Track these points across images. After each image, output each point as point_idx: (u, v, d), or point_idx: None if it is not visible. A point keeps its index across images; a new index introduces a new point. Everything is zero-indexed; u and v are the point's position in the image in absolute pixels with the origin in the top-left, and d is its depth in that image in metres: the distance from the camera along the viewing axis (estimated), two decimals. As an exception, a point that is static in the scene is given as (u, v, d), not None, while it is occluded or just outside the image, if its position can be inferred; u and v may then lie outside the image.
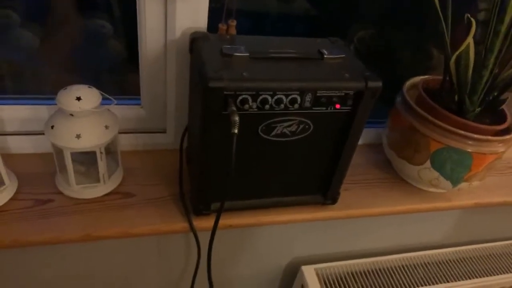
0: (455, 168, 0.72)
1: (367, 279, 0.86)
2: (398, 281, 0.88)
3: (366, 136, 0.91)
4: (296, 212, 0.70)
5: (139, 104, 0.76)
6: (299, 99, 0.56)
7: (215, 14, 0.67)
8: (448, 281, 0.90)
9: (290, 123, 0.58)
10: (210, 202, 0.64)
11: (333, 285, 0.83)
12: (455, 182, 0.74)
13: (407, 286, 0.86)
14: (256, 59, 0.57)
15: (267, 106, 0.55)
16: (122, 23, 0.71)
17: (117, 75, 0.79)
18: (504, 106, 0.76)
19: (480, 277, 0.90)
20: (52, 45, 0.71)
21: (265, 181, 0.65)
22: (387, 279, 0.87)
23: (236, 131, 0.51)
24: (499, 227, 1.02)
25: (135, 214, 0.65)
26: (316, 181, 0.68)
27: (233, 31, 0.65)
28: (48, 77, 0.75)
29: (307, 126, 0.60)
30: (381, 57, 0.92)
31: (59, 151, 0.62)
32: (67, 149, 0.59)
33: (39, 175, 0.68)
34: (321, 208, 0.72)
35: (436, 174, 0.74)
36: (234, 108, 0.52)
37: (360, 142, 0.90)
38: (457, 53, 0.60)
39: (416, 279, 0.89)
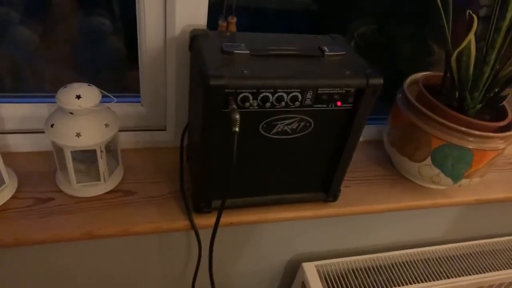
0: (455, 165, 0.72)
1: (368, 275, 0.86)
2: (399, 277, 0.88)
3: (367, 133, 0.91)
4: (297, 210, 0.70)
5: (139, 102, 0.76)
6: (300, 97, 0.56)
7: (215, 10, 0.66)
8: (449, 277, 0.90)
9: (291, 120, 0.58)
10: (211, 200, 0.64)
11: (334, 282, 0.83)
12: (455, 178, 0.74)
13: (408, 282, 0.87)
14: (256, 56, 0.57)
15: (268, 104, 0.55)
16: (122, 20, 0.71)
17: (117, 72, 0.78)
18: (504, 103, 0.75)
19: (481, 273, 0.91)
20: (52, 42, 0.71)
21: (266, 178, 0.65)
22: (388, 275, 0.87)
23: (237, 129, 0.50)
24: (499, 223, 1.02)
25: (136, 212, 0.65)
26: (317, 178, 0.68)
27: (233, 28, 0.64)
28: (48, 74, 0.74)
29: (308, 124, 0.59)
30: (382, 53, 0.92)
31: (59, 150, 0.61)
32: (67, 148, 0.59)
33: (40, 173, 0.68)
34: (322, 206, 0.72)
35: (437, 171, 0.74)
36: (234, 106, 0.52)
37: (361, 139, 0.90)
38: (458, 49, 0.60)
39: (417, 275, 0.89)
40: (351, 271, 0.86)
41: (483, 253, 0.97)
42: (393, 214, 0.87)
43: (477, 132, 0.68)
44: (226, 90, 0.52)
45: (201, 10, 0.63)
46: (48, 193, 0.65)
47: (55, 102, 0.58)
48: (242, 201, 0.67)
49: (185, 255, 0.78)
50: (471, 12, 0.55)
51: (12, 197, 0.64)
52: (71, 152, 0.60)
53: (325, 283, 0.83)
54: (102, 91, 0.61)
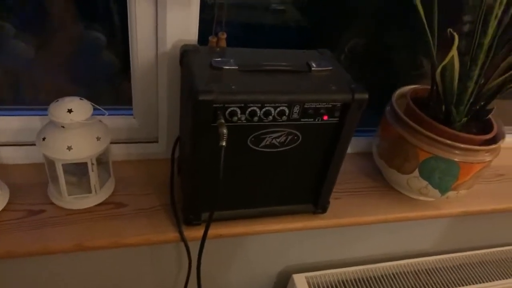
0: (443, 177, 0.73)
1: (358, 287, 0.87)
2: (389, 288, 0.88)
3: (357, 144, 0.92)
4: (286, 222, 0.71)
5: (131, 115, 0.77)
6: (287, 111, 0.57)
7: (207, 26, 0.68)
8: (439, 288, 0.90)
9: (279, 134, 0.59)
10: (200, 212, 0.65)
11: (324, 293, 0.84)
12: (443, 190, 0.75)
13: (398, 293, 0.87)
14: (245, 72, 0.58)
15: (255, 118, 0.56)
16: (115, 35, 0.72)
17: (111, 85, 0.79)
18: (491, 116, 0.77)
19: (470, 284, 0.91)
20: (47, 56, 0.72)
21: (255, 191, 0.66)
22: (377, 287, 0.88)
23: (224, 143, 0.51)
24: (488, 235, 1.03)
25: (127, 224, 0.65)
26: (306, 190, 0.69)
27: (223, 43, 0.66)
28: (42, 87, 0.75)
29: (295, 137, 0.61)
30: (374, 66, 0.93)
31: (50, 162, 0.62)
32: (58, 161, 0.60)
33: (31, 185, 0.68)
34: (312, 217, 0.73)
35: (424, 183, 0.75)
36: (222, 121, 0.53)
37: (351, 150, 0.92)
38: (442, 64, 0.62)
39: (407, 287, 0.89)
40: (341, 282, 0.86)
41: (472, 265, 0.97)
42: (384, 225, 0.88)
43: (462, 145, 0.70)
44: (215, 105, 0.53)
45: (191, 26, 0.65)
46: (40, 205, 0.66)
47: (47, 115, 0.59)
48: (231, 213, 0.67)
49: (175, 267, 0.79)
50: (451, 30, 0.56)
51: (4, 209, 0.64)
52: (63, 164, 0.61)
53: (316, 295, 0.83)
54: (94, 104, 0.62)
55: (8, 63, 0.71)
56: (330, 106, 0.58)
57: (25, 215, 0.64)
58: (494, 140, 0.74)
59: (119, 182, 0.72)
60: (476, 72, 0.64)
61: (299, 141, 0.61)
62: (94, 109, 0.62)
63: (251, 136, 0.58)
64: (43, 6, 0.66)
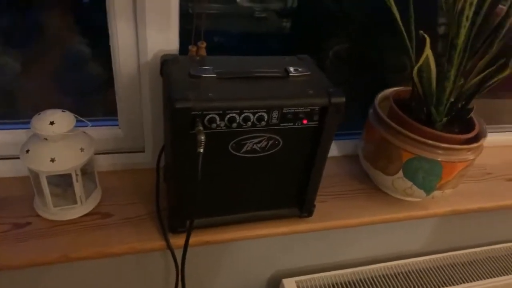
0: (426, 177, 0.73)
1: (349, 289, 0.87)
2: (381, 290, 0.89)
3: (344, 147, 0.93)
4: (272, 226, 0.71)
5: (117, 125, 0.77)
6: (266, 117, 0.58)
7: (188, 35, 0.69)
8: (431, 289, 0.91)
9: (260, 139, 0.60)
10: (185, 220, 0.66)
11: (315, 297, 0.84)
12: (428, 190, 0.76)
13: (389, 295, 0.87)
14: (223, 79, 0.59)
15: (234, 124, 0.57)
16: (99, 47, 0.73)
17: (96, 96, 0.80)
18: (473, 115, 0.78)
19: (460, 283, 0.91)
20: (33, 70, 0.73)
21: (240, 196, 0.67)
22: (369, 289, 0.88)
23: (201, 150, 0.52)
24: (476, 233, 1.03)
25: (113, 233, 0.66)
26: (291, 194, 0.70)
27: (203, 52, 0.67)
28: (29, 101, 0.76)
29: (276, 142, 0.61)
30: (359, 69, 0.94)
31: (35, 175, 0.63)
32: (42, 173, 0.61)
33: (17, 198, 0.69)
34: (298, 221, 0.73)
35: (409, 183, 0.75)
36: (200, 128, 0.54)
37: (337, 153, 0.93)
38: (417, 66, 0.63)
39: (399, 288, 0.90)
40: (331, 285, 0.86)
41: (461, 264, 0.98)
42: (372, 227, 0.88)
43: (444, 145, 0.70)
44: (193, 112, 0.54)
45: (172, 36, 0.66)
46: (26, 218, 0.66)
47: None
48: (216, 219, 0.68)
49: (163, 274, 0.79)
50: (423, 32, 0.57)
51: (-10, 223, 0.65)
52: (47, 176, 0.62)
53: (307, 299, 0.83)
54: (77, 116, 0.63)
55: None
56: (309, 110, 0.59)
57: (11, 228, 0.64)
58: (476, 139, 0.75)
59: (106, 192, 0.73)
60: (453, 72, 0.64)
61: (280, 145, 0.62)
62: (78, 120, 0.63)
63: (232, 142, 0.59)
64: (27, 21, 0.67)
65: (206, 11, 0.70)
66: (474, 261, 0.98)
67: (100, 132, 0.76)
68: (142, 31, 0.64)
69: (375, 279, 0.90)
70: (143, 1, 0.61)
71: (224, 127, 0.57)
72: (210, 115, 0.55)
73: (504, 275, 0.96)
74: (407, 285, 0.90)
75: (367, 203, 0.81)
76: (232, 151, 0.60)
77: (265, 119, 0.58)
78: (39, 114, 0.60)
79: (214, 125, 0.56)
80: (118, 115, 0.76)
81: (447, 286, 0.90)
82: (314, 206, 0.73)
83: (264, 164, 0.63)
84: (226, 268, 0.83)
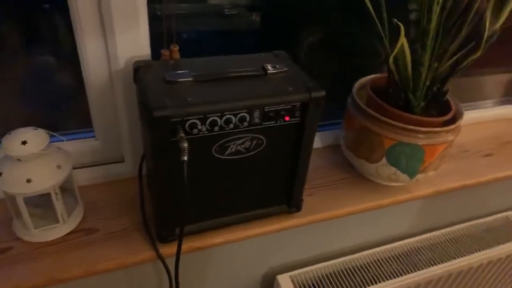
0: (409, 162, 0.75)
1: (342, 278, 0.88)
2: (374, 275, 0.90)
3: (325, 138, 0.93)
4: (263, 225, 0.71)
5: (93, 136, 0.75)
6: (247, 117, 0.57)
7: (159, 39, 0.67)
8: (421, 268, 0.92)
9: (243, 140, 0.59)
10: (174, 228, 0.64)
11: (310, 290, 0.85)
12: (411, 174, 0.77)
13: (382, 279, 0.89)
14: (200, 82, 0.57)
15: (216, 128, 0.55)
16: (67, 56, 0.70)
17: (69, 108, 0.77)
18: (448, 97, 0.79)
19: (450, 260, 0.94)
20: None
21: (228, 199, 0.66)
22: (362, 275, 0.89)
23: (185, 158, 0.51)
24: (461, 210, 1.06)
25: (99, 249, 0.64)
26: (279, 191, 0.69)
27: (176, 55, 0.65)
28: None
29: (260, 141, 0.61)
30: (335, 59, 0.94)
31: (11, 197, 0.60)
32: (19, 195, 0.58)
33: (-5, 223, 0.66)
34: (288, 217, 0.73)
35: (393, 169, 0.76)
36: (182, 134, 0.52)
37: (320, 145, 0.93)
38: (392, 55, 0.63)
39: (390, 272, 0.91)
40: (326, 276, 0.87)
41: (450, 241, 1.00)
42: (360, 215, 0.89)
43: (424, 129, 0.71)
44: (172, 119, 0.52)
45: (142, 41, 0.64)
46: (6, 243, 0.63)
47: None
48: (206, 224, 0.67)
49: (157, 285, 0.77)
50: (396, 21, 0.57)
51: (-33, 252, 0.61)
52: (24, 198, 0.59)
53: (302, 292, 0.83)
54: (50, 132, 0.60)
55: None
56: (290, 107, 0.58)
57: (-9, 255, 0.61)
58: (454, 120, 0.76)
59: (88, 207, 0.70)
60: (427, 57, 0.65)
61: (264, 144, 0.61)
62: (52, 136, 0.60)
63: (215, 146, 0.58)
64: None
65: (175, 11, 0.68)
66: (461, 237, 1.01)
67: (77, 146, 0.73)
68: (110, 37, 0.62)
69: (368, 265, 0.91)
70: (109, 6, 0.59)
71: (206, 131, 0.56)
72: (191, 121, 0.54)
73: (486, 249, 0.99)
74: (399, 267, 0.92)
75: (353, 192, 0.81)
76: (216, 155, 0.59)
77: (247, 120, 0.57)
78: (9, 133, 0.57)
79: (195, 131, 0.54)
80: (94, 126, 0.73)
81: (436, 264, 0.92)
82: (302, 200, 0.73)
83: (249, 165, 0.62)
84: (219, 271, 0.83)
